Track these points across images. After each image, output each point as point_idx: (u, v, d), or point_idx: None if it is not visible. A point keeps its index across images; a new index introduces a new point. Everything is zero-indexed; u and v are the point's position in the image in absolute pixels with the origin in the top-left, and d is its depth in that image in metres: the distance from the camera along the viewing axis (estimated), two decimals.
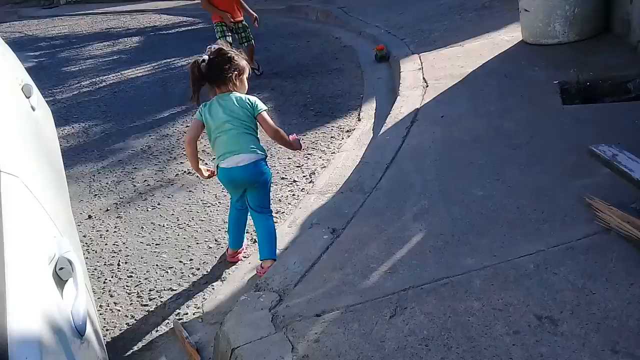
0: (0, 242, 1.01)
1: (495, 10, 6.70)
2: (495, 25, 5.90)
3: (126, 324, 2.54)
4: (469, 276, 2.29)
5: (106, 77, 7.07)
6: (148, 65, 7.38)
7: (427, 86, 4.50)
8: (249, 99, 2.68)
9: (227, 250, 2.91)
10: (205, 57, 2.63)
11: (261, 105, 2.69)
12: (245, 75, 2.73)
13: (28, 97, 2.16)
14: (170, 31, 10.01)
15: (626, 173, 2.64)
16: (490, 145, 3.32)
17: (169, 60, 7.49)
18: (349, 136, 4.18)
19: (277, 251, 2.82)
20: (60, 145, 2.97)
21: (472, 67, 4.67)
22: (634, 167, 2.64)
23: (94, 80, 6.98)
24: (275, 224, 3.15)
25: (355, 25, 7.69)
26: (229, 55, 2.64)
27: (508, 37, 5.33)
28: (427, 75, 4.73)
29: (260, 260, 2.71)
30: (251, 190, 2.69)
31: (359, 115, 4.56)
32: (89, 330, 1.14)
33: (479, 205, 2.77)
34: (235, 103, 2.64)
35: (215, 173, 2.73)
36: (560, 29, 4.69)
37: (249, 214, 2.81)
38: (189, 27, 10.18)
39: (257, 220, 2.73)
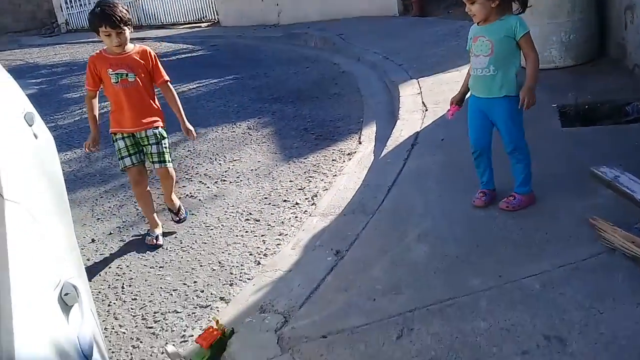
0: (6, 269, 1.01)
1: None
2: None
3: (132, 346, 2.52)
4: (475, 297, 2.29)
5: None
6: None
7: (426, 110, 4.54)
8: None
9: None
10: None
11: None
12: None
13: (30, 125, 2.17)
14: (170, 58, 10.12)
15: (628, 194, 2.67)
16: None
17: None
18: (350, 159, 4.21)
19: (281, 273, 2.82)
20: (63, 170, 2.97)
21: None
22: (635, 188, 2.67)
23: None
24: (279, 246, 3.16)
25: (353, 51, 7.80)
26: None
27: None
28: (426, 100, 4.78)
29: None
30: None
31: (359, 138, 4.59)
32: (95, 355, 1.14)
33: (483, 226, 2.78)
34: None
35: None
36: (557, 54, 4.77)
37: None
38: (189, 54, 10.29)
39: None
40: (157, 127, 3.29)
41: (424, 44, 6.99)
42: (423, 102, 4.74)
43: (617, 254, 2.34)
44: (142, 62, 3.24)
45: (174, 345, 2.42)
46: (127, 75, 3.19)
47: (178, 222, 3.54)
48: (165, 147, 3.32)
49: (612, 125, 3.73)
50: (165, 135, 3.34)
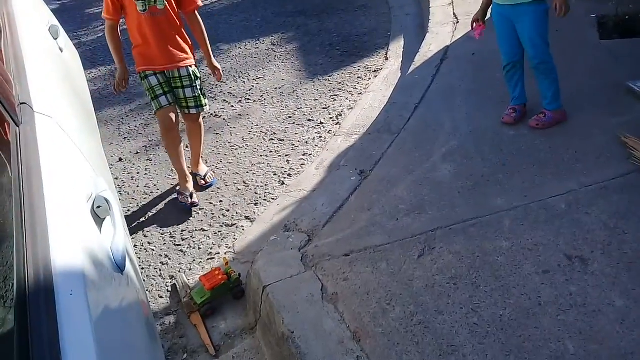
0: (39, 181, 1.03)
1: None
2: None
3: (160, 262, 2.62)
4: (498, 216, 2.28)
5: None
6: None
7: (457, 22, 4.34)
8: None
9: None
10: None
11: None
12: None
13: (55, 39, 2.16)
14: None
15: None
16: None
17: None
18: (376, 76, 4.10)
19: (305, 193, 2.84)
20: (89, 88, 2.98)
21: None
22: None
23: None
24: (302, 166, 3.17)
25: None
26: None
27: None
28: (457, 11, 4.56)
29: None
30: None
31: (386, 54, 4.45)
32: (128, 266, 1.17)
33: (510, 145, 2.72)
34: None
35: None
36: None
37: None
38: None
39: None
40: (190, 66, 2.90)
41: None
42: (454, 14, 4.52)
43: None
44: None
45: (184, 274, 2.50)
46: (155, 1, 2.73)
47: (203, 187, 3.12)
48: (201, 89, 2.96)
49: None
50: (198, 74, 2.96)
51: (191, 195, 2.97)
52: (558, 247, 2.06)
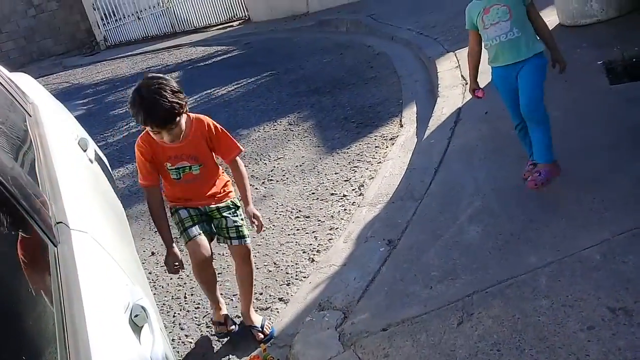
0: (79, 298, 1.07)
1: None
2: None
3: (201, 354, 2.61)
4: (533, 274, 2.25)
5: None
6: (190, 99, 7.59)
7: (466, 83, 4.44)
8: None
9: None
10: None
11: None
12: None
13: (85, 151, 2.28)
14: (206, 62, 10.26)
15: None
16: None
17: (209, 91, 7.68)
18: (393, 144, 4.17)
19: (336, 268, 2.84)
20: (118, 186, 3.10)
21: None
22: None
23: None
24: (330, 241, 3.18)
25: (386, 31, 7.68)
26: None
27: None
28: (464, 73, 4.67)
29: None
30: None
31: (400, 121, 4.54)
32: None
33: (535, 200, 2.71)
34: None
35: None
36: (598, 7, 4.55)
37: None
38: (224, 56, 10.40)
39: None
40: (229, 198, 2.61)
41: (457, 13, 6.78)
42: (462, 76, 4.63)
43: None
44: (204, 142, 2.49)
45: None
46: (190, 168, 2.47)
47: (264, 341, 2.56)
48: (242, 219, 2.59)
49: None
50: (239, 204, 2.63)
51: (226, 322, 2.62)
52: (599, 301, 2.01)
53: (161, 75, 2.38)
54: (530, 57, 2.63)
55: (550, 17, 5.13)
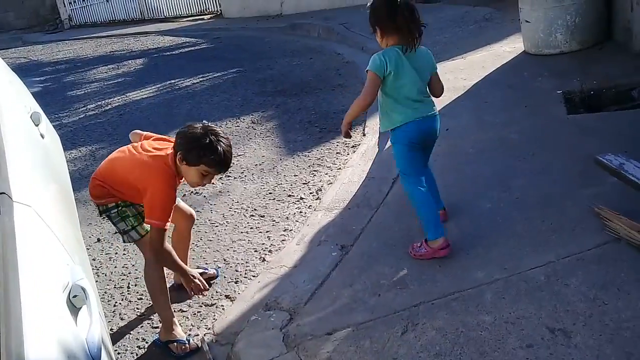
0: (16, 272, 1.03)
1: (496, 22, 6.73)
2: (497, 37, 5.93)
3: (137, 346, 2.54)
4: (479, 290, 2.28)
5: (112, 99, 7.13)
6: (153, 87, 7.45)
7: None
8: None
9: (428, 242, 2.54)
10: None
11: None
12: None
13: (37, 125, 2.19)
14: (173, 52, 10.11)
15: (634, 182, 2.64)
16: (496, 157, 3.33)
17: (173, 81, 7.55)
18: (354, 151, 4.19)
19: (286, 269, 2.82)
20: (69, 169, 2.99)
21: (476, 79, 4.69)
22: None
23: (99, 103, 7.05)
24: (283, 242, 3.16)
25: (357, 40, 7.74)
26: None
27: (510, 48, 5.35)
28: None
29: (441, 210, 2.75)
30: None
31: (363, 130, 4.57)
32: (103, 357, 1.15)
33: (487, 218, 2.77)
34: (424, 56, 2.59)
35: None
36: (562, 39, 4.71)
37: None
38: (192, 48, 10.27)
39: (429, 174, 2.74)
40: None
41: (428, 31, 6.89)
42: None
43: (622, 244, 2.32)
44: None
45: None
46: None
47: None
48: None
49: (617, 111, 3.69)
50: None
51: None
52: (540, 320, 2.06)
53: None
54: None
55: (516, 44, 5.29)
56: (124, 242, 2.54)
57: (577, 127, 3.47)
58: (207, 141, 2.29)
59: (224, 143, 2.33)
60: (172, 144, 2.43)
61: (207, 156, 2.30)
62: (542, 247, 2.44)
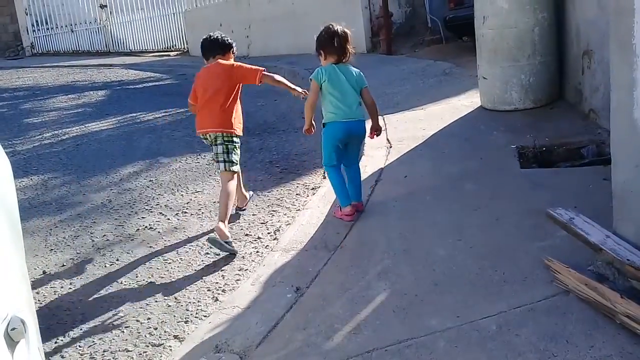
0: None
1: (455, 76, 6.99)
2: (455, 91, 6.14)
3: None
4: (433, 337, 2.28)
5: (69, 129, 6.99)
6: (113, 119, 7.35)
7: (390, 147, 4.60)
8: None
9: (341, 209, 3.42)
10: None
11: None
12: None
13: None
14: (137, 86, 10.05)
15: (582, 236, 2.72)
16: (451, 206, 3.39)
17: (134, 114, 7.48)
18: (314, 194, 4.20)
19: (239, 310, 2.76)
20: (18, 197, 2.88)
21: (434, 130, 4.82)
22: (589, 230, 2.72)
23: (56, 132, 6.89)
24: (238, 282, 3.11)
25: None
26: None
27: (467, 102, 5.54)
28: (390, 137, 4.84)
29: (355, 202, 3.42)
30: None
31: (324, 173, 4.59)
32: None
33: (442, 265, 2.79)
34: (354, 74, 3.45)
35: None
36: (517, 96, 4.91)
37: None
38: (156, 83, 10.24)
39: (355, 171, 3.56)
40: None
41: (390, 81, 7.12)
42: (387, 139, 4.79)
43: (571, 296, 2.37)
44: None
45: None
46: None
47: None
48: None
49: (568, 167, 3.84)
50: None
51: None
52: None
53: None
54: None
55: (474, 99, 5.48)
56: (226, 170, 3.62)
57: (530, 181, 3.59)
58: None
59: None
60: None
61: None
62: (494, 296, 2.48)
